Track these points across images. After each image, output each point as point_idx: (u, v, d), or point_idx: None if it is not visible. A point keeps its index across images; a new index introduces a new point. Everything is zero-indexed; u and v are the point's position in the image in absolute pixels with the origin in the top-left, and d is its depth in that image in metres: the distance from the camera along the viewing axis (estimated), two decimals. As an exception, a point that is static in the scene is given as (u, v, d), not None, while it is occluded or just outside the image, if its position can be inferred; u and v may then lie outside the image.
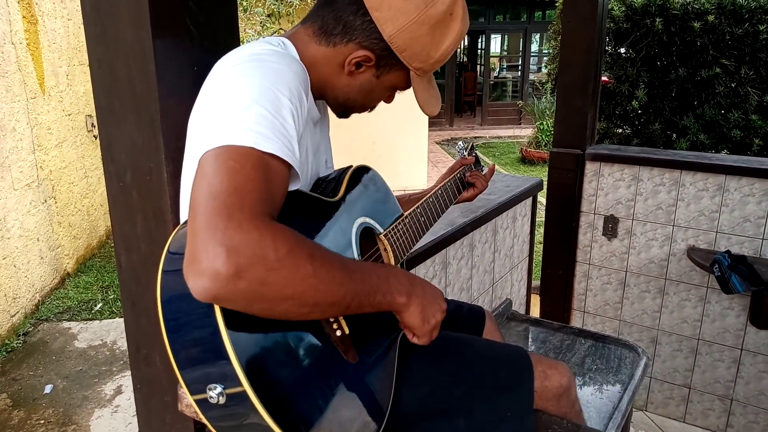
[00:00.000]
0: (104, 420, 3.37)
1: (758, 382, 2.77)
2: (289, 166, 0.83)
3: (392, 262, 1.16)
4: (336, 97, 1.11)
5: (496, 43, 16.51)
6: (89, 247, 5.79)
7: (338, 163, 1.24)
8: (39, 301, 4.73)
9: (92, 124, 5.89)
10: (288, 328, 0.84)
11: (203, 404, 0.78)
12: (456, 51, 1.11)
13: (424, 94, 1.11)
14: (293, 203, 0.89)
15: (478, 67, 16.29)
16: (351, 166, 1.12)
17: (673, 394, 3.01)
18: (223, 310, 0.74)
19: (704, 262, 2.67)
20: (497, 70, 16.44)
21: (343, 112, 1.16)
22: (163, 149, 1.06)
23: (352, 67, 1.05)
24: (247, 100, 0.83)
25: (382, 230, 1.16)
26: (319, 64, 1.06)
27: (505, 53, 16.82)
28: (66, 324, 4.50)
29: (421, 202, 1.31)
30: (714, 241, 2.74)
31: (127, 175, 1.13)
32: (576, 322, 3.21)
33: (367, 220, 1.11)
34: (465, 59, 17.23)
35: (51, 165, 5.03)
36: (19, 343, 4.22)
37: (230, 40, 1.15)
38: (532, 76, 15.03)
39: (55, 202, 5.09)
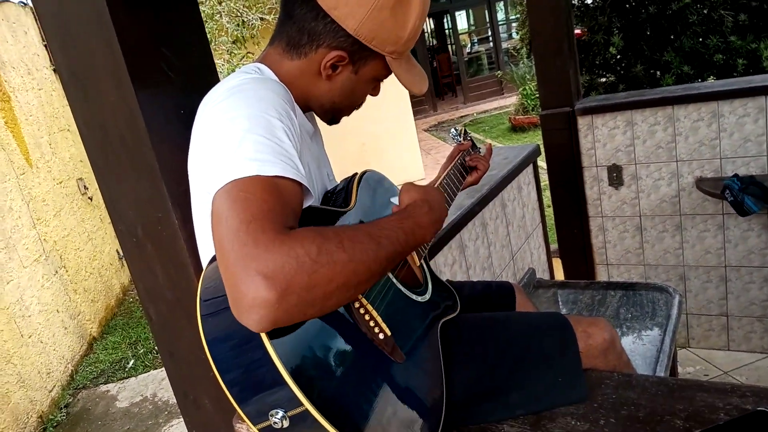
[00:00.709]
0: (162, 472, 3.40)
1: (793, 296, 2.76)
2: (299, 183, 0.84)
3: (416, 258, 1.16)
4: (321, 104, 1.12)
5: (462, 20, 16.45)
6: (109, 308, 5.81)
7: (333, 172, 1.25)
8: (72, 370, 4.75)
9: (84, 186, 5.90)
10: (333, 340, 0.85)
11: (268, 431, 0.79)
12: (424, 36, 1.09)
13: (407, 75, 1.10)
14: (309, 220, 0.90)
15: (450, 47, 16.24)
16: (356, 174, 1.12)
17: (712, 326, 3.01)
18: (269, 335, 0.75)
19: (715, 191, 2.66)
20: (469, 46, 16.38)
21: (333, 118, 1.16)
22: (168, 197, 1.06)
23: (328, 71, 1.05)
24: (240, 132, 0.84)
25: None
26: (297, 79, 1.06)
27: (473, 28, 16.74)
28: (103, 387, 4.53)
29: None
30: (720, 167, 2.73)
31: (138, 229, 1.14)
32: (602, 276, 3.21)
33: None
34: (435, 42, 17.19)
35: (54, 235, 5.05)
36: (63, 415, 4.24)
37: (209, 77, 1.16)
38: (505, 45, 14.96)
39: (66, 271, 5.11)
